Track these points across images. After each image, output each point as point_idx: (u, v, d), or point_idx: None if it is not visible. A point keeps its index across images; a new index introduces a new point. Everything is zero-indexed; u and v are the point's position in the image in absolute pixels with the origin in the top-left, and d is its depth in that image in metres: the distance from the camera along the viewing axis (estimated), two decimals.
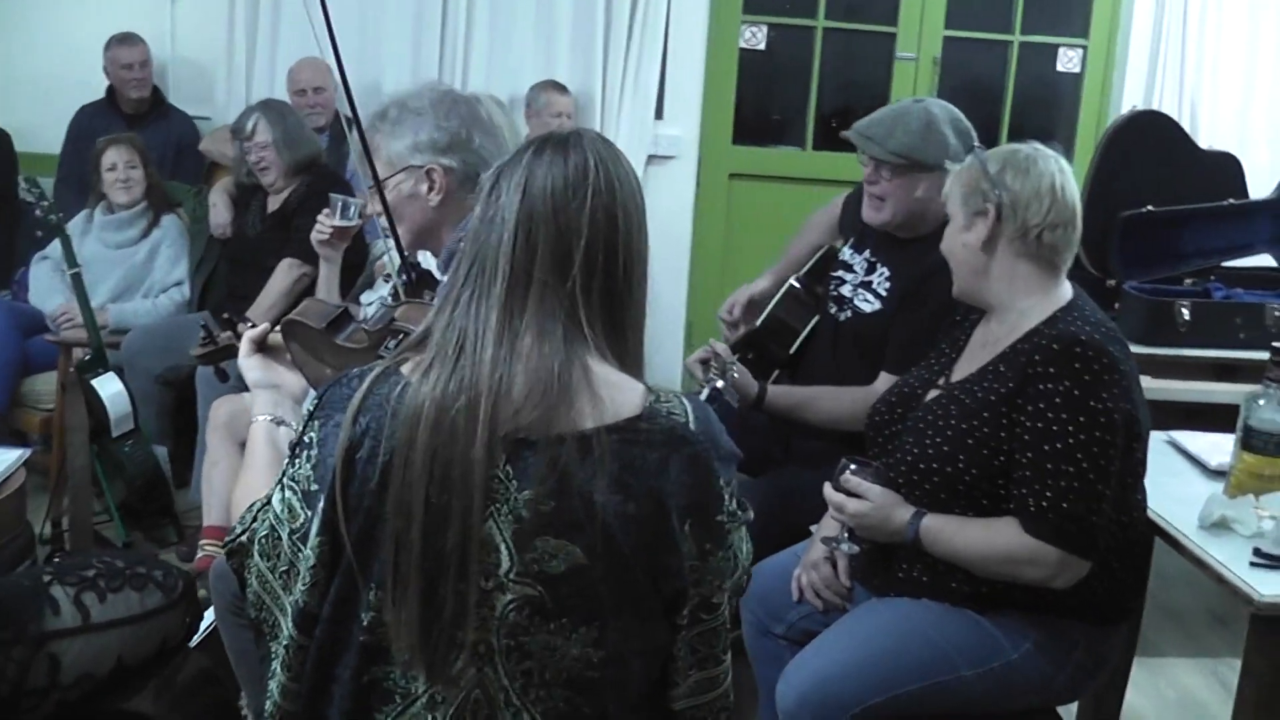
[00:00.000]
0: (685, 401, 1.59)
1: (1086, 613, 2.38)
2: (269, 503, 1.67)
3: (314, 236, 3.63)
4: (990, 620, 2.38)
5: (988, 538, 2.31)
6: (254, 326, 4.14)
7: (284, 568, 1.63)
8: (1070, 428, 2.24)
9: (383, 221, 2.68)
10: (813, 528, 2.82)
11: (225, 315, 2.44)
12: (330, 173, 4.68)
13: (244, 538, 1.69)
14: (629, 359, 1.61)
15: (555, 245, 1.56)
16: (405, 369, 1.60)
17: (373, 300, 3.88)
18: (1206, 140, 5.39)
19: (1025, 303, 2.43)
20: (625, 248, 1.59)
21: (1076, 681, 2.44)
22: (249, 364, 2.07)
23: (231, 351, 2.22)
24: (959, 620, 2.39)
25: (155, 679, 2.43)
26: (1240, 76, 5.87)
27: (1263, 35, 5.86)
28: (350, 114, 2.70)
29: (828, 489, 2.47)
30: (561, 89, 5.44)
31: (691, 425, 1.56)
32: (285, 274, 4.45)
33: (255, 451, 1.95)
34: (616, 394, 1.55)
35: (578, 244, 1.56)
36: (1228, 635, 4.00)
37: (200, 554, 3.83)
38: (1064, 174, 2.43)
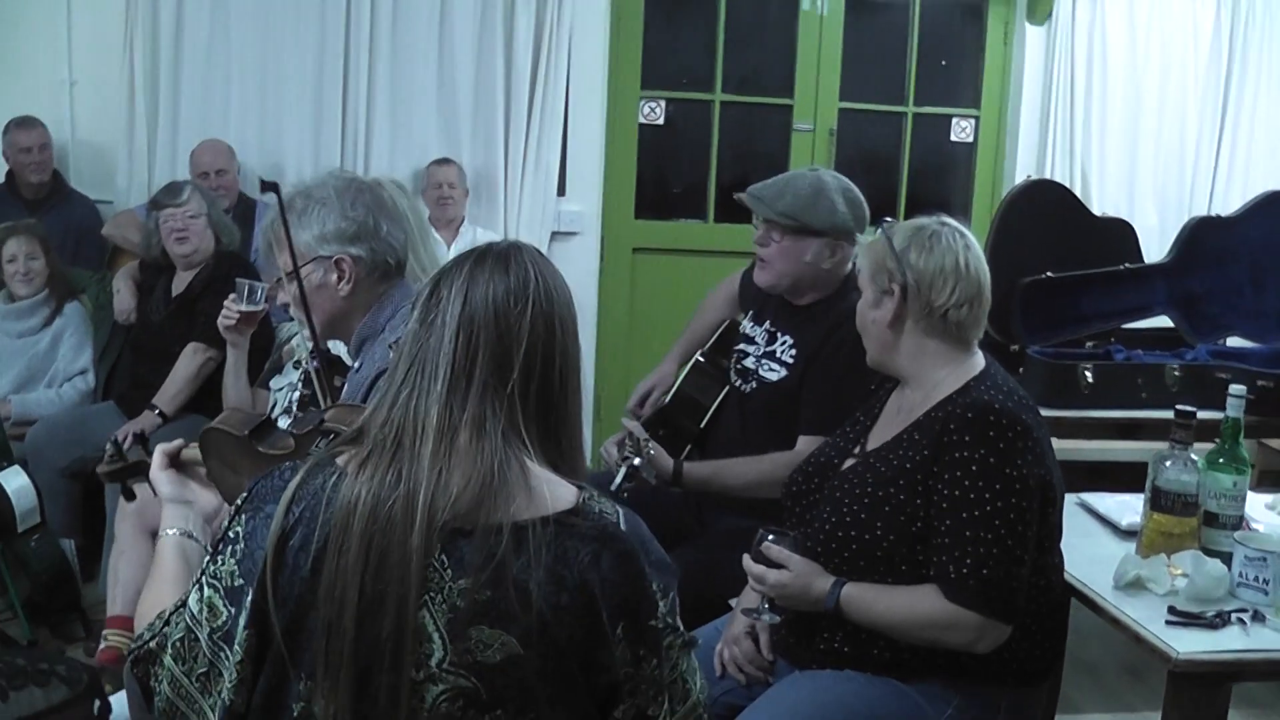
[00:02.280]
0: (617, 506, 1.62)
1: (1008, 676, 2.40)
2: (184, 605, 1.64)
3: (221, 322, 3.60)
4: (913, 687, 2.39)
5: (909, 604, 2.33)
6: (161, 415, 4.10)
7: (202, 670, 1.60)
8: (987, 495, 2.27)
9: (282, 300, 2.67)
10: (731, 601, 2.83)
11: (138, 432, 2.38)
12: (235, 257, 4.64)
13: (152, 644, 1.66)
14: (563, 464, 1.63)
15: (495, 349, 1.59)
16: (340, 460, 1.60)
17: (282, 385, 3.85)
18: (1098, 206, 5.56)
19: (938, 374, 2.46)
20: (562, 356, 1.63)
21: None
22: (162, 478, 2.02)
23: (141, 469, 2.16)
24: (882, 689, 2.39)
25: None
26: (1126, 143, 6.07)
27: (1145, 103, 6.06)
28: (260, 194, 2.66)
29: (747, 560, 2.47)
30: (442, 161, 5.49)
31: (622, 526, 1.58)
32: (191, 359, 4.40)
33: (163, 564, 1.90)
34: (552, 489, 1.57)
35: (518, 350, 1.59)
36: (1143, 690, 4.06)
37: (103, 644, 3.74)
38: (969, 250, 2.45)
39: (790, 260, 3.18)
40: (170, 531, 1.96)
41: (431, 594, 1.51)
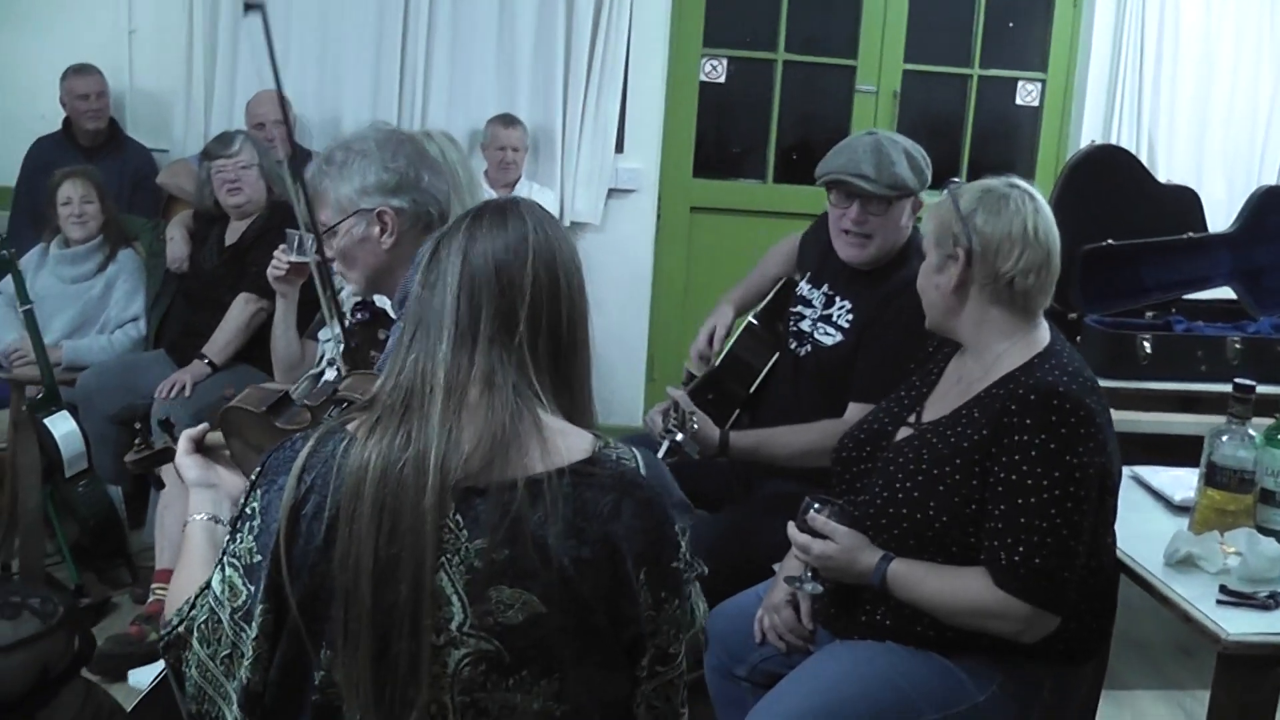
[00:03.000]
0: (635, 450, 1.60)
1: (1053, 655, 2.35)
2: (208, 587, 1.63)
3: (270, 272, 3.58)
4: (956, 663, 2.34)
5: (956, 588, 2.28)
6: (210, 364, 4.12)
7: (225, 652, 1.59)
8: (1045, 482, 2.20)
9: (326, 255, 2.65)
10: (775, 567, 2.79)
11: (163, 419, 2.36)
12: (287, 208, 4.63)
13: (181, 629, 1.66)
14: (576, 414, 1.62)
15: (499, 305, 1.57)
16: (350, 427, 1.58)
17: (329, 337, 3.83)
18: (1164, 174, 5.45)
19: (1000, 346, 2.38)
20: (569, 305, 1.62)
21: None
22: (187, 463, 2.00)
23: (167, 456, 2.16)
24: (924, 663, 2.35)
25: (41, 709, 2.37)
26: (1196, 110, 5.95)
27: (1218, 70, 5.93)
28: (294, 152, 2.63)
29: (792, 529, 2.43)
30: (508, 121, 5.44)
31: (642, 471, 1.57)
32: (242, 309, 4.40)
33: (191, 550, 1.90)
34: (566, 440, 1.56)
35: (522, 302, 1.58)
36: (1194, 667, 4.00)
37: (152, 598, 3.78)
38: (1039, 214, 2.36)
39: (891, 230, 3.12)
40: (198, 517, 1.95)
41: (448, 555, 1.49)
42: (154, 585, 3.81)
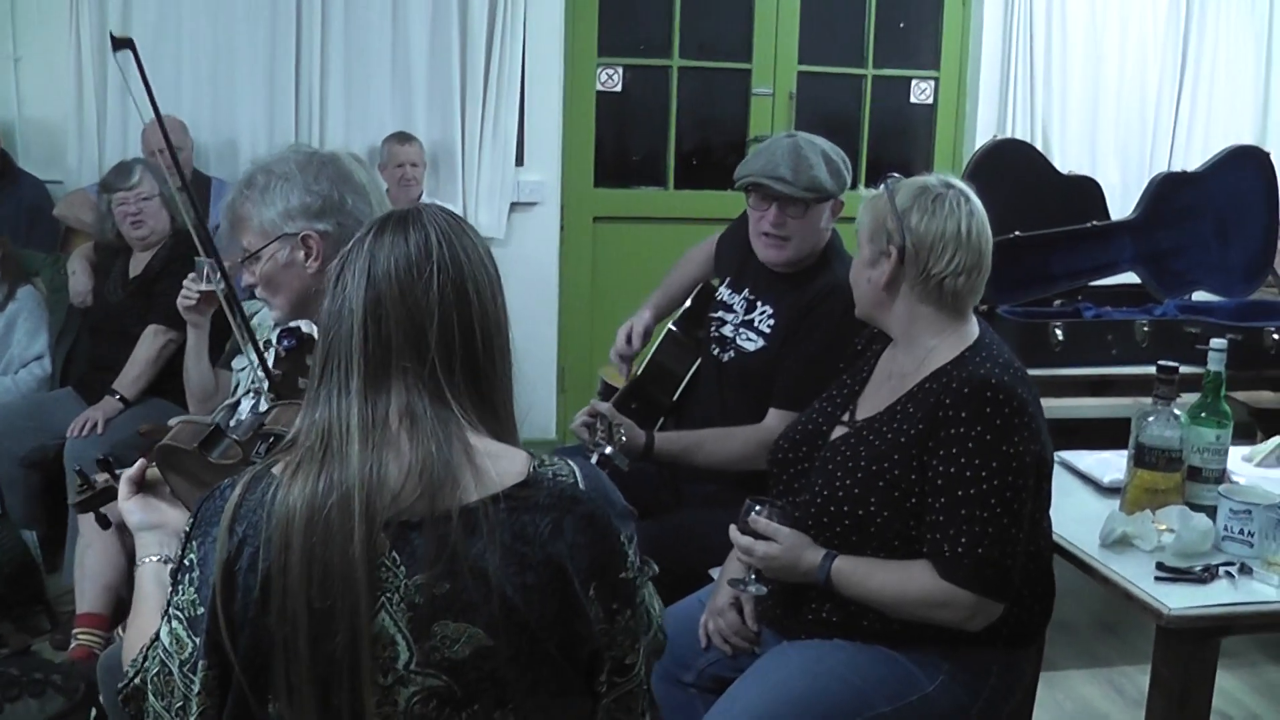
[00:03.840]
0: (571, 463, 1.56)
1: (999, 640, 2.38)
2: (158, 638, 1.58)
3: (180, 302, 3.51)
4: (904, 655, 2.36)
5: (901, 581, 2.30)
6: (122, 399, 4.02)
7: (179, 704, 1.54)
8: (983, 473, 2.23)
9: (248, 281, 2.61)
10: (713, 571, 2.80)
11: (101, 456, 2.32)
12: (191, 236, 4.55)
13: (137, 680, 1.62)
14: (503, 429, 1.57)
15: (408, 329, 1.51)
16: (276, 470, 1.53)
17: (244, 365, 3.77)
18: (1061, 165, 5.55)
19: (931, 341, 2.40)
20: (481, 320, 1.55)
21: (992, 707, 2.44)
22: (129, 507, 1.97)
23: (110, 494, 2.12)
24: (873, 657, 2.37)
25: None
26: (1087, 101, 6.09)
27: (1106, 59, 6.08)
28: (177, 183, 2.58)
29: (734, 531, 2.43)
30: (404, 139, 5.41)
31: (581, 485, 1.53)
32: (151, 341, 4.31)
33: (144, 594, 1.86)
34: (499, 464, 1.51)
35: (430, 324, 1.51)
36: (1119, 644, 4.08)
37: (75, 643, 3.67)
38: (973, 215, 2.37)
39: (810, 232, 3.12)
40: (147, 560, 1.91)
41: (388, 594, 1.45)
42: (76, 630, 3.70)
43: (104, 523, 2.25)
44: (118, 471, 2.09)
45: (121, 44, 2.43)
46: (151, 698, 1.58)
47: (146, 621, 1.75)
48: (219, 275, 3.48)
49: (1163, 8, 6.07)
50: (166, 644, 1.55)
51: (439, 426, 1.49)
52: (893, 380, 2.46)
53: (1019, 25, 5.95)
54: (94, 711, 2.35)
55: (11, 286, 4.58)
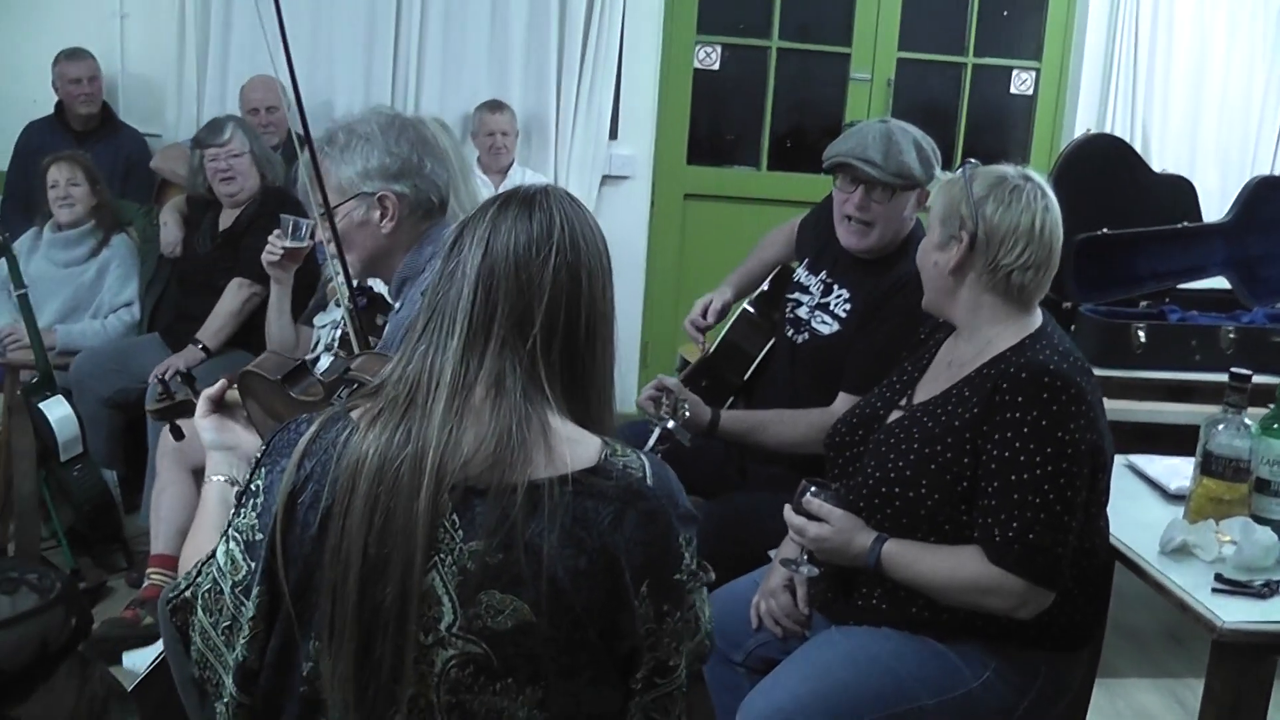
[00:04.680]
0: (644, 458, 1.56)
1: (1048, 641, 2.36)
2: (214, 556, 1.61)
3: (265, 257, 3.58)
4: (951, 649, 2.36)
5: (952, 566, 2.29)
6: (204, 349, 4.11)
7: (226, 623, 1.57)
8: (1037, 458, 2.22)
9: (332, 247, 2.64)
10: (771, 553, 2.80)
11: (183, 370, 2.38)
12: (282, 192, 4.62)
13: (188, 593, 1.64)
14: (590, 420, 1.57)
15: (516, 303, 1.52)
16: (354, 414, 1.56)
17: (325, 323, 3.83)
18: (1158, 163, 5.46)
19: (992, 330, 2.39)
20: (588, 308, 1.56)
21: (1038, 709, 2.42)
22: (205, 424, 2.00)
23: (187, 408, 2.17)
24: (920, 649, 2.37)
25: (40, 684, 2.36)
26: (1190, 99, 5.96)
27: (1211, 59, 5.94)
28: (302, 134, 2.63)
29: (788, 512, 2.44)
30: (495, 107, 5.43)
31: (649, 481, 1.52)
32: (235, 294, 4.40)
33: (207, 512, 1.89)
34: (572, 448, 1.51)
35: (539, 303, 1.53)
36: (1185, 656, 4.01)
37: (147, 582, 3.78)
38: (1048, 211, 2.36)
39: (894, 219, 3.10)
40: (215, 478, 1.94)
41: (441, 555, 1.46)
42: (149, 570, 3.80)
43: (177, 434, 2.32)
44: (199, 388, 2.14)
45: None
46: (200, 612, 1.61)
47: (205, 538, 1.78)
48: (308, 231, 3.55)
49: (1273, 7, 5.92)
50: (221, 563, 1.58)
51: (523, 402, 1.50)
52: (952, 368, 2.45)
53: (1124, 19, 5.83)
54: (74, 618, 2.38)
55: (106, 234, 4.69)
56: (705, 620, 1.60)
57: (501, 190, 5.23)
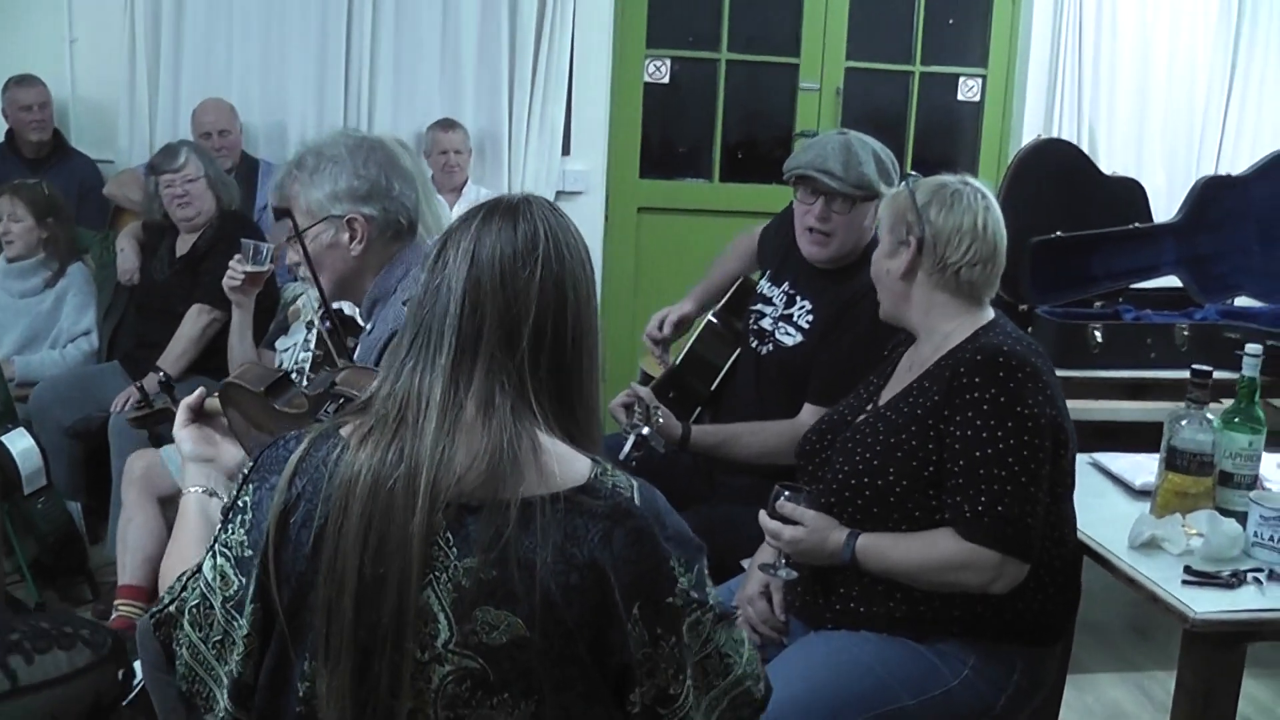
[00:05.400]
0: (632, 480, 1.55)
1: (1023, 633, 2.41)
2: (199, 571, 1.60)
3: (226, 282, 3.57)
4: (930, 648, 2.40)
5: (925, 548, 2.34)
6: (165, 376, 4.10)
7: (218, 637, 1.56)
8: (999, 433, 2.28)
9: (292, 260, 2.66)
10: (744, 562, 2.82)
11: (163, 379, 2.39)
12: (239, 216, 4.61)
13: (172, 608, 1.63)
14: (579, 433, 1.57)
15: (503, 317, 1.52)
16: (344, 431, 1.55)
17: (288, 345, 3.83)
18: (1105, 165, 5.52)
19: (948, 326, 2.48)
20: (574, 320, 1.55)
21: (1015, 704, 2.46)
22: (184, 435, 1.99)
23: (167, 415, 2.17)
24: (898, 649, 2.40)
25: None
26: (1135, 102, 6.04)
27: (1154, 61, 6.03)
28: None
29: (763, 517, 2.48)
30: (447, 125, 5.43)
31: (636, 501, 1.52)
32: (195, 320, 4.38)
33: (186, 523, 1.88)
34: (562, 466, 1.51)
35: (526, 316, 1.52)
36: (1150, 649, 4.06)
37: (116, 614, 3.73)
38: (989, 211, 2.47)
39: (854, 230, 3.14)
40: (193, 490, 1.93)
41: (436, 573, 1.46)
42: (117, 601, 3.76)
43: (157, 440, 2.33)
44: (178, 396, 2.13)
45: (282, 214, 2.56)
46: (187, 627, 1.59)
47: (185, 550, 1.78)
48: (265, 257, 3.54)
49: (1214, 10, 6.01)
50: (210, 578, 1.57)
51: (513, 420, 1.50)
52: (913, 369, 2.53)
53: (1069, 24, 5.90)
54: (120, 671, 2.40)
55: (62, 263, 4.67)
56: (742, 660, 1.58)
57: (457, 209, 5.26)
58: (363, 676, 1.47)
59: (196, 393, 2.02)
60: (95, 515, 4.37)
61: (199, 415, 2.01)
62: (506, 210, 1.58)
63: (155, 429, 2.32)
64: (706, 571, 1.56)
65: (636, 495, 1.52)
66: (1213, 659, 2.35)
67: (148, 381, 4.17)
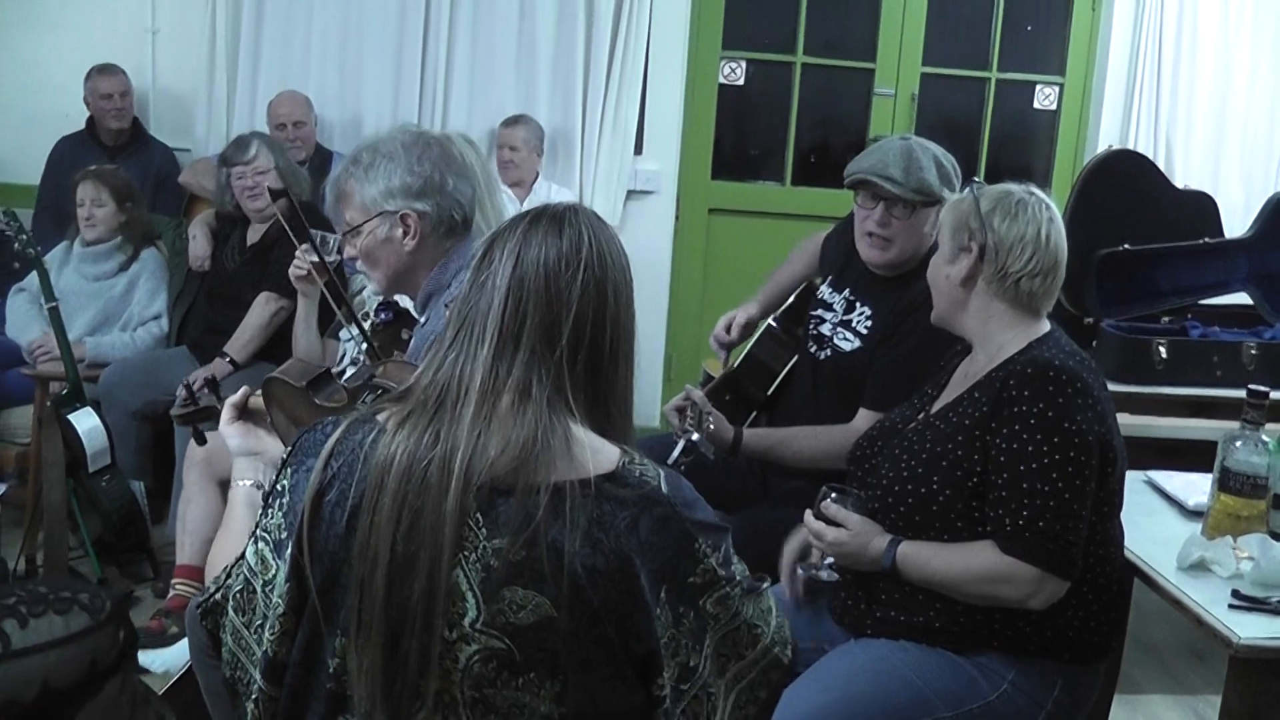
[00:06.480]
0: (659, 468, 1.60)
1: (1065, 652, 2.38)
2: (243, 558, 1.66)
3: (291, 272, 3.62)
4: (970, 661, 2.38)
5: (965, 560, 2.33)
6: (232, 362, 4.16)
7: (259, 621, 1.62)
8: (1045, 448, 2.26)
9: (349, 254, 2.70)
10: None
11: (209, 377, 2.44)
12: (308, 208, 4.66)
13: (218, 596, 1.69)
14: (611, 431, 1.62)
15: (545, 315, 1.57)
16: (381, 417, 1.60)
17: (350, 336, 3.87)
18: (1181, 178, 5.46)
19: (1004, 336, 2.45)
20: (613, 323, 1.61)
21: None
22: (230, 430, 2.06)
23: (212, 413, 2.22)
24: (937, 661, 2.39)
25: (87, 701, 2.41)
26: (1213, 115, 5.95)
27: (1235, 74, 5.93)
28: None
29: (808, 516, 2.48)
30: (511, 121, 5.45)
31: (664, 489, 1.56)
32: (263, 307, 4.45)
33: (234, 516, 1.95)
34: (593, 455, 1.56)
35: (567, 316, 1.57)
36: (1206, 672, 4.01)
37: (173, 592, 3.81)
38: (1053, 223, 2.44)
39: (914, 236, 3.12)
40: (241, 483, 2.01)
41: (466, 553, 1.50)
42: (175, 580, 3.84)
43: (200, 439, 2.37)
44: (223, 395, 2.18)
45: (278, 195, 2.59)
46: (231, 613, 1.66)
47: (232, 543, 1.83)
48: (335, 247, 3.59)
49: None
50: (252, 564, 1.63)
51: (548, 410, 1.55)
52: (967, 379, 2.50)
53: (1149, 33, 5.83)
54: (121, 633, 2.43)
55: (136, 248, 4.76)
56: (770, 629, 1.63)
57: (526, 205, 5.29)
58: (393, 653, 1.51)
59: (241, 391, 2.08)
60: (158, 496, 4.46)
61: (244, 413, 2.06)
62: (553, 217, 1.64)
63: (199, 426, 2.35)
64: (732, 549, 1.60)
65: (664, 483, 1.57)
66: (1259, 685, 2.31)
67: (216, 366, 4.28)
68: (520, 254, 1.60)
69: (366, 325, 2.98)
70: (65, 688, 2.35)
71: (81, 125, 5.39)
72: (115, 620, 2.45)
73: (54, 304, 4.16)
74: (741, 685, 1.61)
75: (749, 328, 3.62)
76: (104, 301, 4.69)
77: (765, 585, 1.65)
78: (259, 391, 2.14)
